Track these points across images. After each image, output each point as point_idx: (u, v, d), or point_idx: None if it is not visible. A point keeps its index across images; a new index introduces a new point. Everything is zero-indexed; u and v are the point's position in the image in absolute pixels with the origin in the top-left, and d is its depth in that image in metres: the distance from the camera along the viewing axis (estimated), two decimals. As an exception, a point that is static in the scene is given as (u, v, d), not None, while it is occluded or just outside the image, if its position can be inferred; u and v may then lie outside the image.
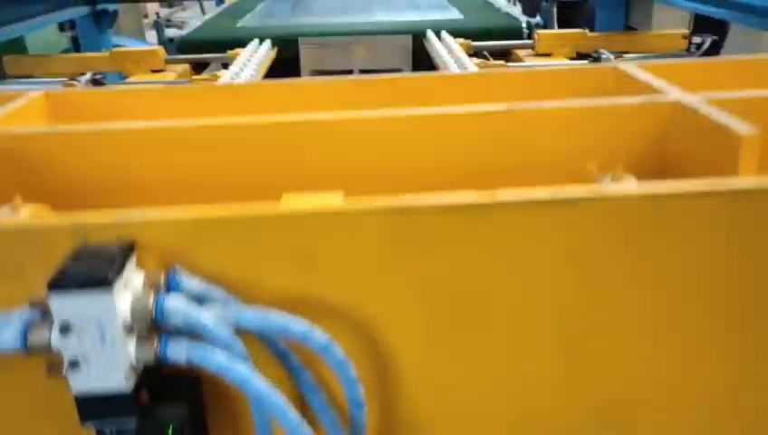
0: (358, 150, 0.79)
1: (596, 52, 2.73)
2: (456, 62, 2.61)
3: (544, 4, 3.34)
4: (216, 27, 3.48)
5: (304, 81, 1.04)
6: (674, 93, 0.82)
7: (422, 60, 3.11)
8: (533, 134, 0.79)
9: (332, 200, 0.63)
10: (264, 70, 2.78)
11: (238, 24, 3.48)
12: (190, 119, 0.80)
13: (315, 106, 0.90)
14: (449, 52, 2.78)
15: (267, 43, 3.02)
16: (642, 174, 0.73)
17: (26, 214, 0.63)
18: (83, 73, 2.95)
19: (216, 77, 2.53)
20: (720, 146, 0.69)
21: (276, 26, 3.40)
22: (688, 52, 2.75)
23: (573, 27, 6.67)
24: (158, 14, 3.26)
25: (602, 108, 0.81)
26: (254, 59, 2.79)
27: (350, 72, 3.24)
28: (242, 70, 2.59)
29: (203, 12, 8.78)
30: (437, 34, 3.08)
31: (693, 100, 0.78)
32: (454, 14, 3.58)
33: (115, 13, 3.28)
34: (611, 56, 2.64)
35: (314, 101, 0.93)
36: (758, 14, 2.17)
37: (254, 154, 0.79)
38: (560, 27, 6.61)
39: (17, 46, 2.85)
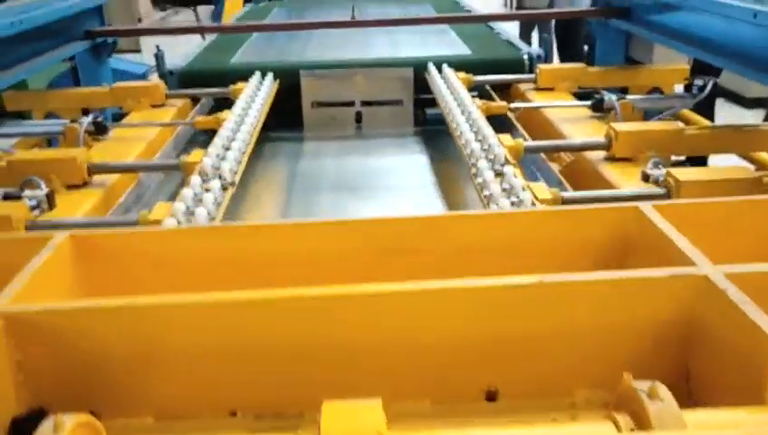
0: (387, 322, 0.80)
1: (599, 93, 2.74)
2: (456, 102, 2.61)
3: (545, 35, 3.33)
4: (215, 58, 3.45)
5: (315, 223, 1.03)
6: (702, 265, 0.83)
7: (424, 90, 3.10)
8: (563, 306, 0.80)
9: (373, 412, 0.64)
10: (267, 107, 2.77)
11: (237, 55, 3.44)
12: (216, 293, 0.81)
13: (327, 250, 0.90)
14: (450, 90, 2.77)
15: (269, 78, 3.00)
16: (666, 346, 0.74)
17: (71, 427, 0.64)
18: (85, 110, 2.94)
19: (220, 120, 2.52)
20: (748, 342, 0.71)
21: (277, 60, 3.37)
22: (690, 93, 2.77)
23: (572, 48, 6.65)
24: (158, 46, 3.24)
25: (630, 280, 0.82)
26: (258, 97, 2.77)
27: (351, 103, 3.23)
28: (246, 112, 2.58)
29: (197, 18, 8.70)
30: (438, 67, 3.07)
31: (721, 277, 0.78)
32: (455, 44, 3.56)
33: (114, 43, 3.26)
34: (614, 97, 2.66)
35: (326, 245, 0.93)
36: (755, 65, 2.19)
37: (282, 326, 0.79)
38: (559, 48, 6.64)
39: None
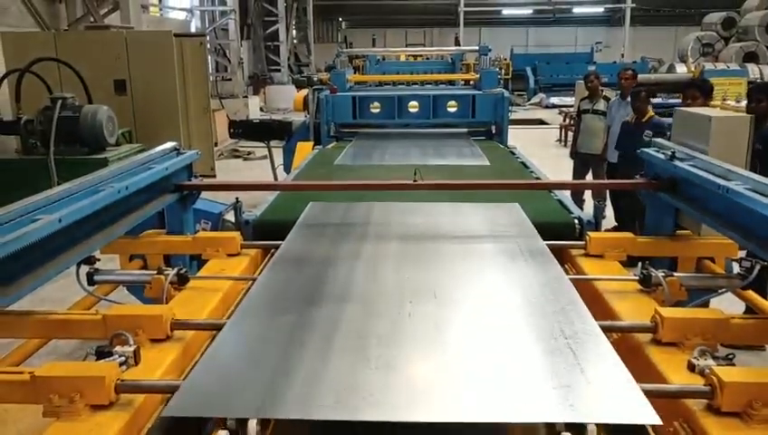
0: None
1: (645, 269, 2.80)
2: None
3: (596, 202, 3.52)
4: (288, 207, 3.74)
5: None
6: None
7: None
8: None
9: None
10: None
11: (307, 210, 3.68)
12: None
13: None
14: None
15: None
16: None
17: None
18: (168, 256, 3.24)
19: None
20: None
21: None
22: (739, 274, 2.81)
23: (627, 216, 6.74)
24: (237, 198, 3.57)
25: None
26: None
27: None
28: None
29: (269, 149, 9.28)
30: None
31: None
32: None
33: (199, 192, 3.60)
34: (661, 274, 2.73)
35: None
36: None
37: None
38: (613, 206, 6.84)
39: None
